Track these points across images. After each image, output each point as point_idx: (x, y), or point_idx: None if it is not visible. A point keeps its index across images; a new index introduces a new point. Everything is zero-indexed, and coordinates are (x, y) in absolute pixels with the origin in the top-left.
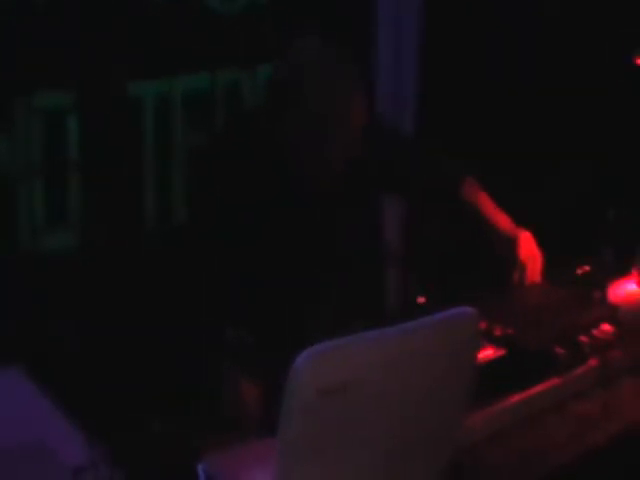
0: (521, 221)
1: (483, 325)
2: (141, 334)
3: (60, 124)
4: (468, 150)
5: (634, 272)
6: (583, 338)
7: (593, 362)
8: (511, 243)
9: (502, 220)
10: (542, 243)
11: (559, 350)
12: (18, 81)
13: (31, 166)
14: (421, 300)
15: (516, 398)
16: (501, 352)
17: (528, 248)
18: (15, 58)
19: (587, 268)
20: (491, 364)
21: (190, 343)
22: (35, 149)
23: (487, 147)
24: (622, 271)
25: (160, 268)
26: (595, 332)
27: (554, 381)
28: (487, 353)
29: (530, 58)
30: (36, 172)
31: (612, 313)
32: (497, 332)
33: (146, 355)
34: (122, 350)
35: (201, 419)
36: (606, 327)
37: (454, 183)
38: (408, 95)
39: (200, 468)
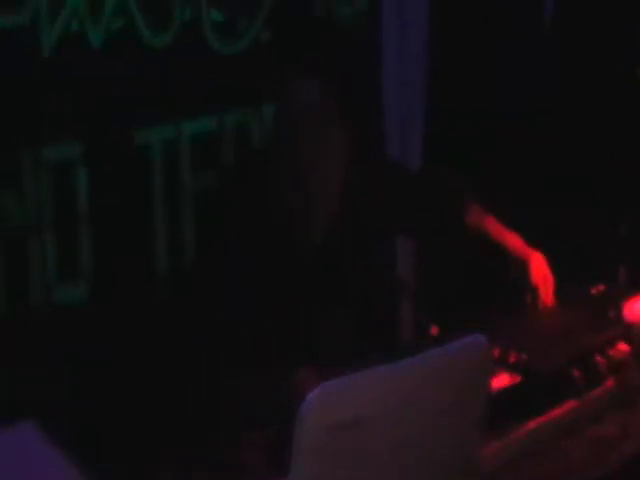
0: (533, 239)
1: (497, 352)
2: (155, 382)
3: (69, 176)
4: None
5: None
6: (599, 359)
7: (610, 383)
8: (522, 265)
9: (512, 241)
10: (555, 262)
11: (575, 372)
12: (25, 134)
13: (41, 220)
14: (434, 331)
15: (533, 424)
16: (516, 378)
17: (540, 270)
18: (21, 111)
19: (601, 287)
20: (506, 391)
21: (200, 392)
22: (45, 202)
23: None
24: (638, 288)
25: (174, 313)
26: (611, 352)
27: (571, 404)
28: (502, 380)
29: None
30: (47, 226)
31: (628, 332)
32: (511, 358)
33: (158, 404)
34: (134, 400)
35: (212, 469)
36: (622, 346)
37: (458, 209)
38: (415, 108)
39: None
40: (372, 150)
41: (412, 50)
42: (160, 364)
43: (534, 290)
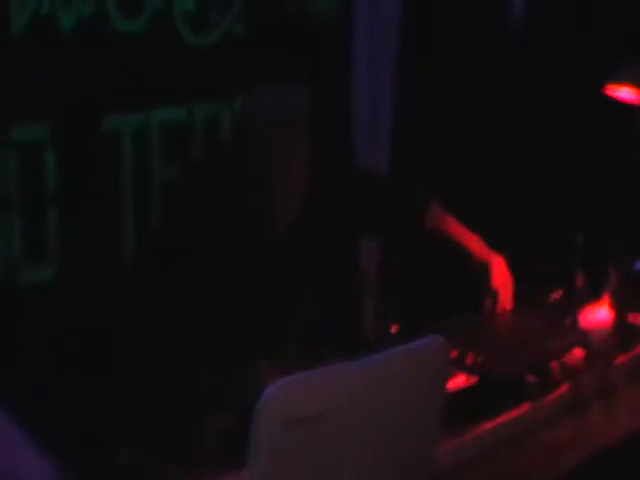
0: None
1: (454, 353)
2: (119, 367)
3: (37, 158)
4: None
5: (605, 296)
6: (554, 365)
7: (563, 389)
8: (483, 269)
9: (474, 244)
10: (516, 268)
11: (530, 378)
12: None
13: (8, 200)
14: (394, 329)
15: (488, 426)
16: (472, 380)
17: (501, 274)
18: None
19: (559, 293)
20: (463, 392)
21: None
22: (12, 183)
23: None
24: (595, 295)
25: (137, 302)
26: (566, 359)
27: (525, 408)
28: (459, 381)
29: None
30: (13, 206)
31: (583, 339)
32: (469, 360)
33: (121, 389)
34: (96, 382)
35: (171, 450)
36: (577, 352)
37: (419, 210)
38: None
39: None
40: (339, 154)
41: (383, 54)
42: (124, 350)
43: (494, 294)
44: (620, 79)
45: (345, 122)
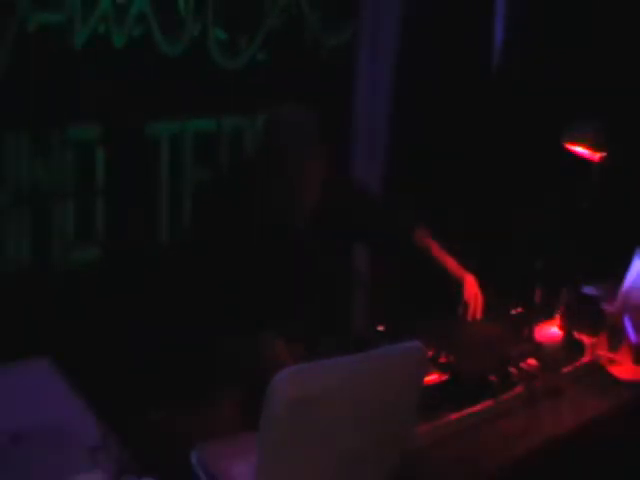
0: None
1: (431, 352)
2: (148, 334)
3: (89, 154)
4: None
5: (557, 316)
6: (512, 369)
7: (519, 389)
8: (457, 284)
9: (450, 264)
10: (484, 286)
11: (492, 378)
12: (54, 117)
13: (64, 190)
14: (380, 328)
15: (456, 415)
16: (444, 377)
17: (471, 289)
18: (52, 97)
19: (520, 309)
20: (436, 387)
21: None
22: (68, 175)
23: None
24: (549, 313)
25: (172, 280)
26: (522, 365)
27: (487, 403)
28: (433, 377)
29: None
30: (68, 195)
31: (536, 349)
32: (442, 359)
33: (154, 354)
34: (132, 349)
35: (196, 409)
36: (531, 361)
37: (408, 232)
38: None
39: (193, 455)
40: (341, 169)
41: (381, 82)
42: (159, 322)
43: (465, 305)
44: (573, 138)
45: (346, 140)
